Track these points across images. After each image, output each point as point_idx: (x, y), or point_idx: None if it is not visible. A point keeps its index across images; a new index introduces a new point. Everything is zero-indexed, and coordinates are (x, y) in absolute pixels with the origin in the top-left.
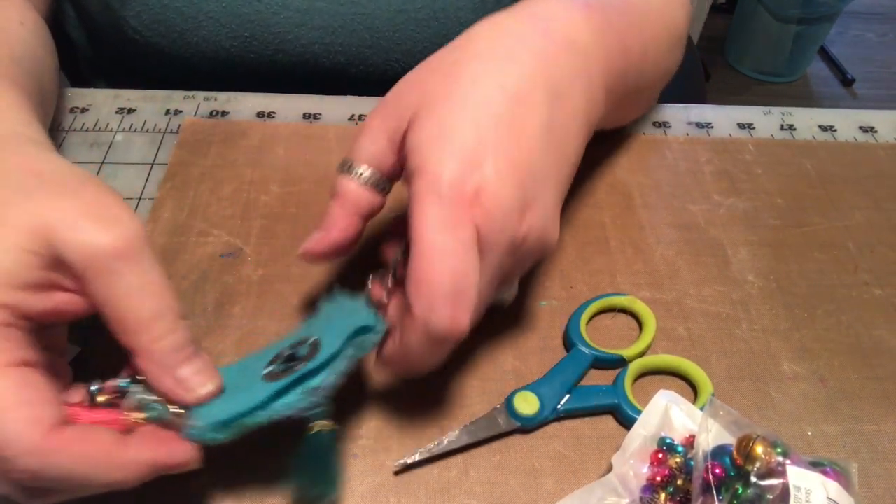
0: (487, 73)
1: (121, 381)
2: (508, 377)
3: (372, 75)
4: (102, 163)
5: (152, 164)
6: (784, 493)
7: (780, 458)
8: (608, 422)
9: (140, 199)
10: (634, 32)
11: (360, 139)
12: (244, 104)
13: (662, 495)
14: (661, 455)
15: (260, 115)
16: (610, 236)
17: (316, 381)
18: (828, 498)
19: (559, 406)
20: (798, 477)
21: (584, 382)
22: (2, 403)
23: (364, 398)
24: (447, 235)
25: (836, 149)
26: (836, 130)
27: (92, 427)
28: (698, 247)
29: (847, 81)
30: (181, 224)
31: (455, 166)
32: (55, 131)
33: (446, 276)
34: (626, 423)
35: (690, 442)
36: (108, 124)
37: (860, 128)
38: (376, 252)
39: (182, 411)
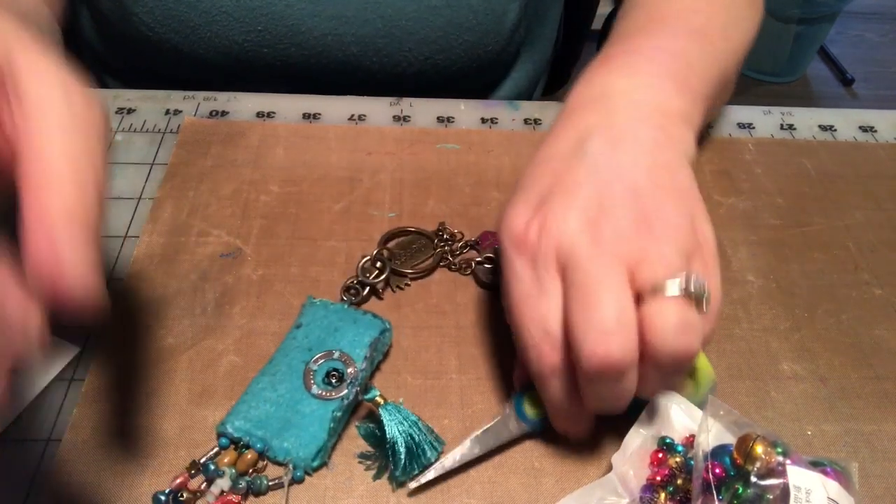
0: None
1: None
2: (508, 377)
3: (385, 66)
4: None
5: (152, 164)
6: (784, 492)
7: (781, 458)
8: (608, 422)
9: (140, 199)
10: (719, 85)
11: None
12: (244, 104)
13: (662, 495)
14: (661, 455)
15: (260, 115)
16: None
17: (370, 396)
18: (828, 498)
19: None
20: (798, 477)
21: None
22: None
23: None
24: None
25: (836, 149)
26: (836, 130)
27: None
28: None
29: (847, 81)
30: (181, 224)
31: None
32: None
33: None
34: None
35: (690, 442)
36: None
37: (860, 128)
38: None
39: (285, 469)
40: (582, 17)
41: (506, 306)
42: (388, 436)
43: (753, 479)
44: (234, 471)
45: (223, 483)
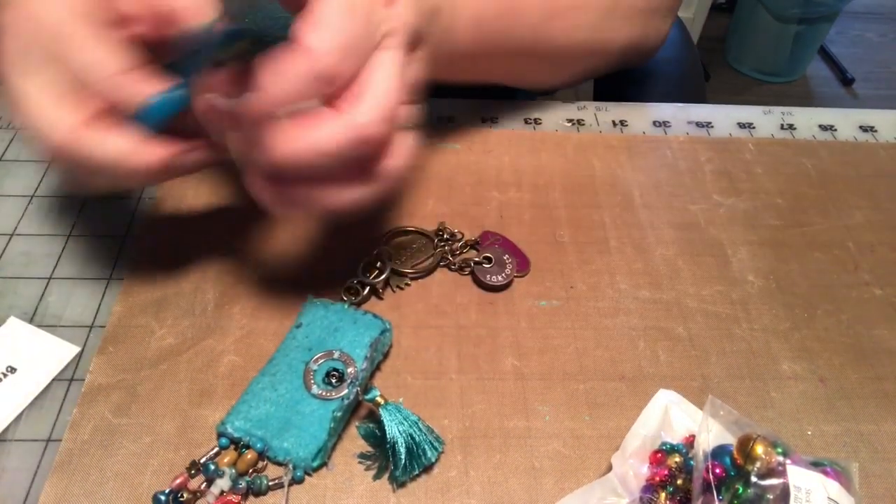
0: None
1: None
2: (508, 377)
3: None
4: None
5: None
6: (784, 492)
7: (781, 458)
8: (608, 421)
9: (140, 198)
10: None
11: None
12: None
13: (662, 495)
14: (660, 455)
15: None
16: (610, 236)
17: (371, 396)
18: (828, 498)
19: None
20: (798, 477)
21: None
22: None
23: None
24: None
25: (836, 149)
26: (836, 130)
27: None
28: (698, 247)
29: (847, 81)
30: (181, 224)
31: None
32: None
33: (358, 24)
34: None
35: (690, 442)
36: None
37: (860, 127)
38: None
39: (285, 469)
40: None
41: None
42: (388, 436)
43: (753, 479)
44: (234, 471)
45: (223, 483)
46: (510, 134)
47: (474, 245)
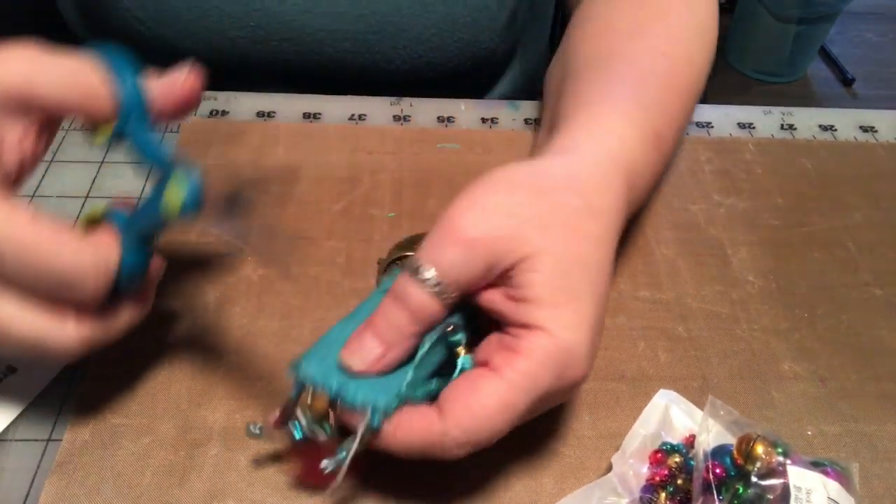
0: (601, 239)
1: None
2: None
3: (379, 63)
4: (102, 162)
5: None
6: (784, 493)
7: (781, 458)
8: (608, 421)
9: (140, 198)
10: (672, 134)
11: (453, 251)
12: (244, 104)
13: (662, 495)
14: (660, 455)
15: (260, 114)
16: None
17: (456, 338)
18: (828, 498)
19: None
20: (798, 477)
21: None
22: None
23: None
24: (530, 396)
25: (836, 149)
26: (836, 130)
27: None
28: (698, 247)
29: (847, 81)
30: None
31: (585, 349)
32: None
33: (496, 431)
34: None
35: (690, 442)
36: None
37: (860, 127)
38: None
39: (360, 419)
40: None
41: None
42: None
43: (754, 479)
44: (309, 415)
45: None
46: (510, 134)
47: None
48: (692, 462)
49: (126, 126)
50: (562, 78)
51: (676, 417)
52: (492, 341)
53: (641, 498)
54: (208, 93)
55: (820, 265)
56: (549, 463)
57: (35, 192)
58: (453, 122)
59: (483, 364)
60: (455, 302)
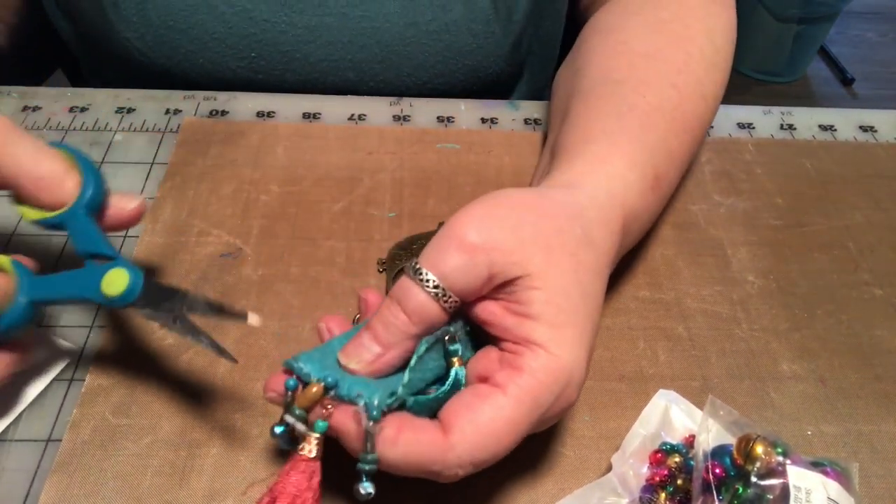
0: (598, 272)
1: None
2: None
3: (383, 92)
4: (102, 162)
5: (152, 164)
6: (784, 493)
7: (781, 458)
8: (608, 421)
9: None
10: (674, 176)
11: (455, 255)
12: (244, 104)
13: (662, 495)
14: (660, 455)
15: (260, 114)
16: None
17: (454, 348)
18: (828, 498)
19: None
20: (798, 477)
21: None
22: None
23: None
24: (532, 415)
25: (836, 149)
26: (836, 130)
27: None
28: (698, 247)
29: (847, 81)
30: (181, 224)
31: (581, 372)
32: (54, 130)
33: (501, 449)
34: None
35: (690, 442)
36: (107, 124)
37: (860, 127)
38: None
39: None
40: None
41: None
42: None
43: (753, 479)
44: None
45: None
46: (510, 134)
47: None
48: (692, 462)
49: (73, 218)
50: (570, 93)
51: (676, 417)
52: (489, 356)
53: (641, 498)
54: (208, 93)
55: (820, 265)
56: (549, 463)
57: None
58: (453, 122)
59: (483, 380)
60: (455, 308)
